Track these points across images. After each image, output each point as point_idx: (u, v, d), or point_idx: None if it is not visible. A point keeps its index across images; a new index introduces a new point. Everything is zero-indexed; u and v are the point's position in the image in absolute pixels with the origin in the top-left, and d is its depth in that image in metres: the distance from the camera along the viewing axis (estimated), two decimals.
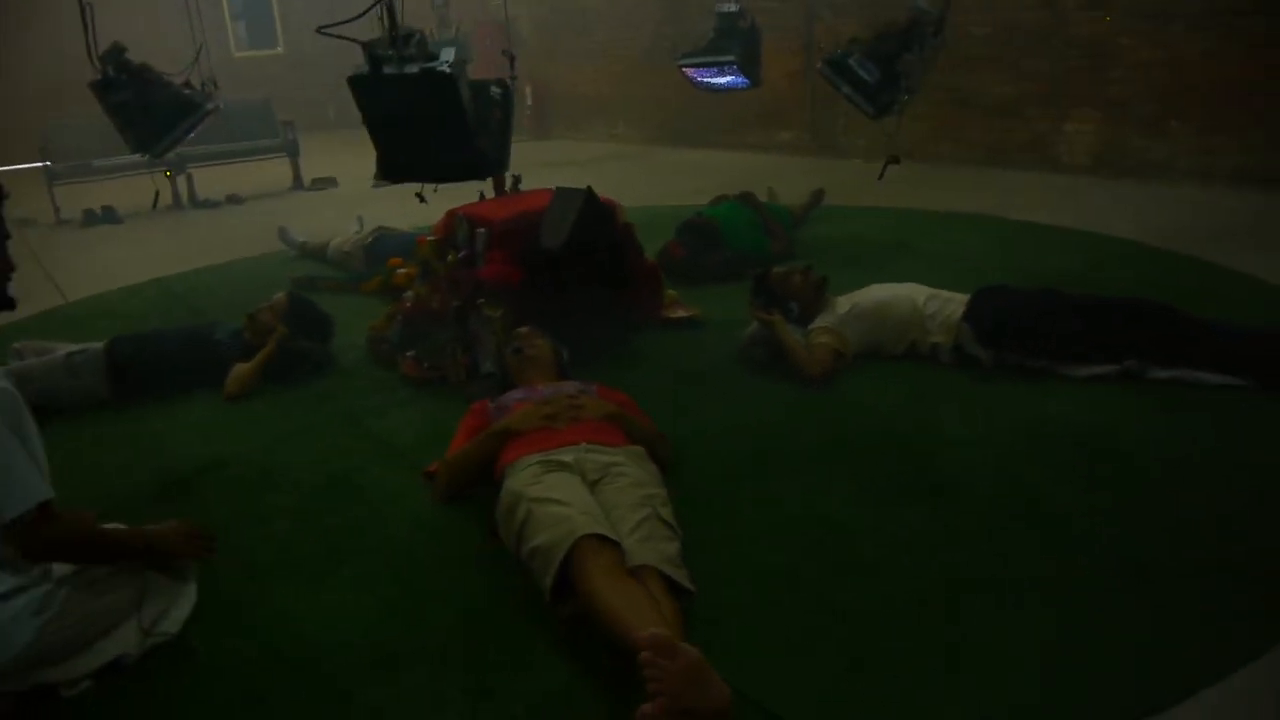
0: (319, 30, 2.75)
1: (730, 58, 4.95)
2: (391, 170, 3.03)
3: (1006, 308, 3.60)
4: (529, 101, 12.61)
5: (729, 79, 5.08)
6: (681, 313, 4.44)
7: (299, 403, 3.81)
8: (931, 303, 3.73)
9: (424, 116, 2.82)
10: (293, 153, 9.77)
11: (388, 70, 2.69)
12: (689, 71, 5.17)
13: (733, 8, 5.08)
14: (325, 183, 9.77)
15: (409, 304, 4.19)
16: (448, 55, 2.78)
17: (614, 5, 11.51)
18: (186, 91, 4.28)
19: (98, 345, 3.94)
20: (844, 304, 3.84)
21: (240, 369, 3.90)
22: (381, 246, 5.70)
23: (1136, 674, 1.96)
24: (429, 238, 4.27)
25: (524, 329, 3.37)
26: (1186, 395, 3.24)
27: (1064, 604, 2.21)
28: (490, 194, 4.54)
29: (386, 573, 2.54)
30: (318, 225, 6.83)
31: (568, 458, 2.50)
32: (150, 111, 4.04)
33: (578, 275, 3.86)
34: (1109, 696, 1.90)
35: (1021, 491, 2.74)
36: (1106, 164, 7.23)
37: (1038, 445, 3.03)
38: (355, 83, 2.80)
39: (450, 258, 4.04)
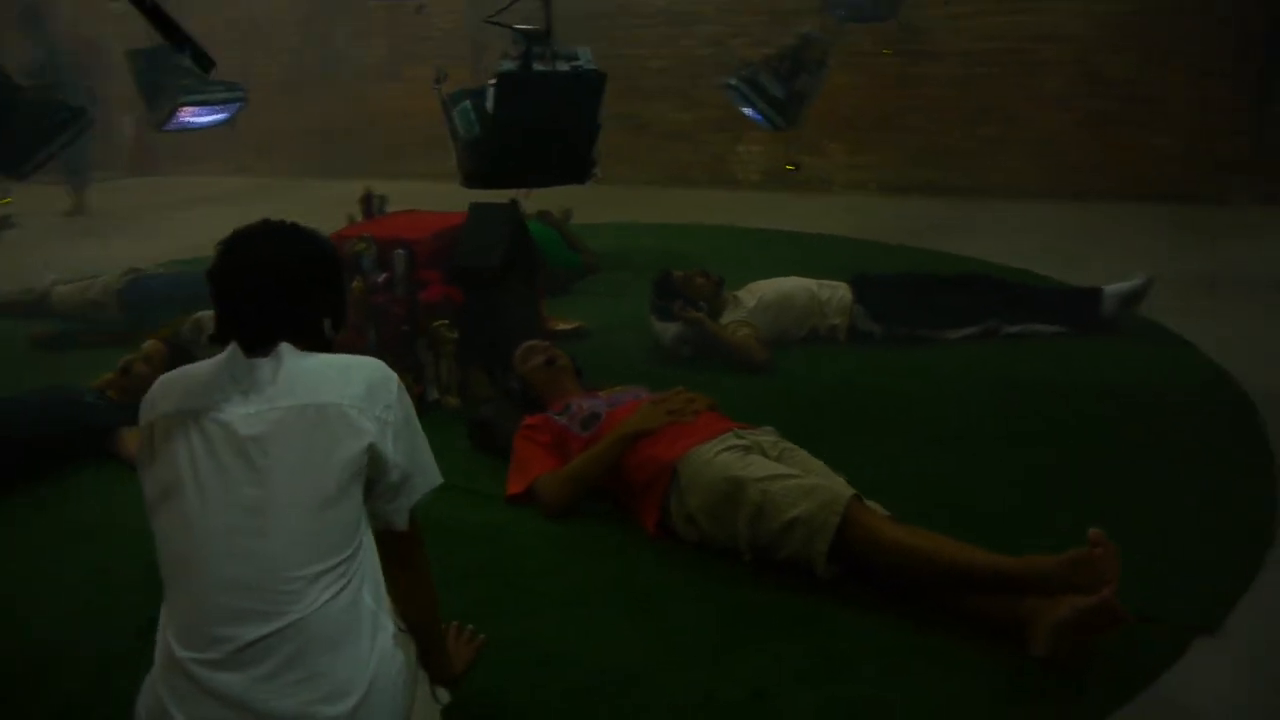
0: (488, 20, 2.48)
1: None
2: (486, 176, 2.80)
3: (888, 289, 4.27)
4: (129, 133, 11.14)
5: None
6: (565, 325, 4.50)
7: None
8: (824, 290, 4.28)
9: (560, 117, 2.67)
10: None
11: (539, 68, 2.52)
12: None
13: (531, 29, 5.19)
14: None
15: None
16: (586, 55, 2.67)
17: (238, 28, 10.66)
18: (59, 97, 3.39)
19: None
20: (749, 298, 4.23)
21: None
22: (145, 290, 4.93)
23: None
24: None
25: (536, 342, 3.30)
26: (1035, 342, 4.13)
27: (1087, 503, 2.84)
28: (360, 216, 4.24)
29: (583, 594, 2.44)
30: None
31: (742, 441, 2.60)
32: (10, 122, 3.14)
33: (511, 290, 3.82)
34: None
35: (1001, 425, 3.36)
36: (775, 180, 8.40)
37: (975, 391, 3.68)
38: (505, 79, 2.56)
39: (356, 285, 3.74)
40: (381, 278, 3.72)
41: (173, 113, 4.34)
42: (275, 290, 1.75)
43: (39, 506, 3.03)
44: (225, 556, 1.57)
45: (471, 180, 2.88)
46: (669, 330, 4.14)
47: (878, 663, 2.11)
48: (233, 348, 1.71)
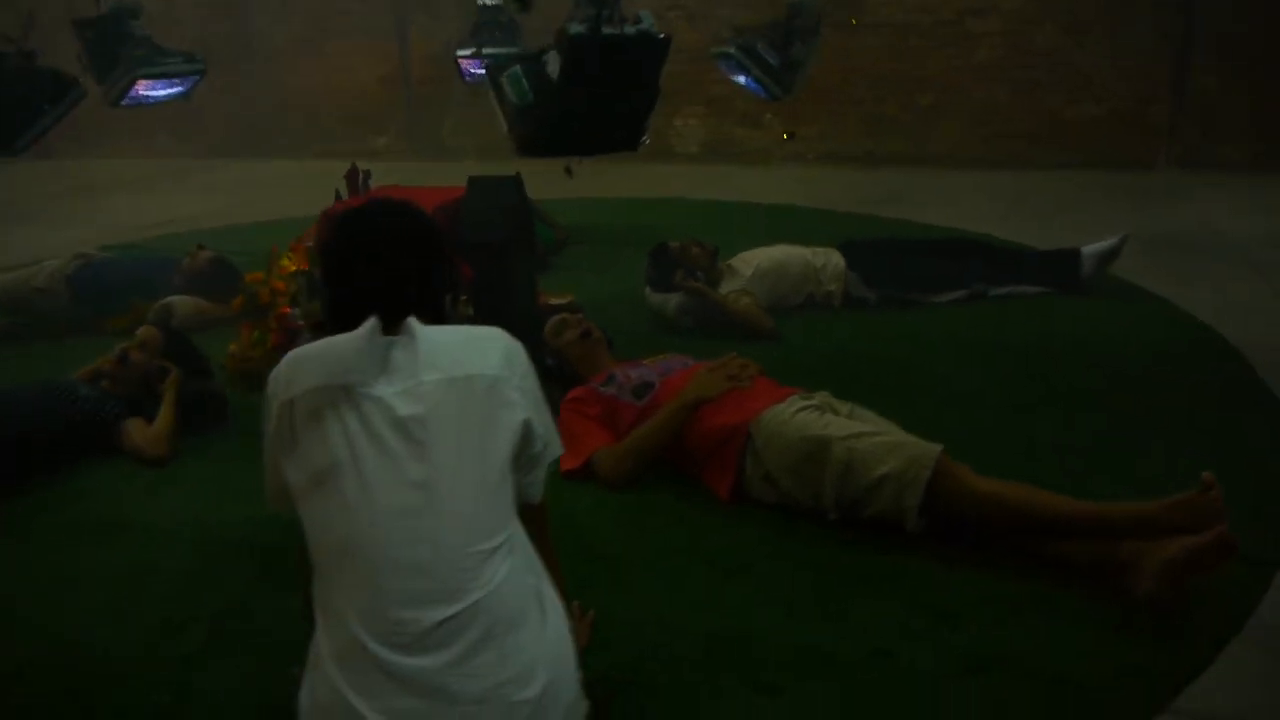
0: None
1: (518, 49, 4.96)
2: (545, 144, 2.69)
3: (878, 255, 4.34)
4: None
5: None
6: (557, 299, 4.42)
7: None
8: (817, 257, 4.32)
9: (624, 82, 2.58)
10: None
11: (608, 30, 2.42)
12: (464, 64, 5.04)
13: (494, 2, 5.09)
14: None
15: (308, 322, 3.61)
16: (648, 18, 2.58)
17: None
18: (48, 67, 3.07)
19: None
20: (744, 268, 4.24)
21: (157, 427, 3.07)
22: (98, 276, 4.63)
23: None
24: (306, 244, 3.74)
25: (567, 315, 3.24)
26: (1020, 303, 4.27)
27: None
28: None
29: (663, 562, 2.43)
30: None
31: (812, 401, 2.61)
32: (6, 94, 2.84)
33: (515, 264, 3.74)
34: None
35: (1007, 386, 3.44)
36: (714, 152, 8.44)
37: (972, 353, 3.77)
38: (576, 42, 2.44)
39: None
40: None
41: (129, 86, 4.06)
42: (408, 266, 1.70)
43: (52, 507, 2.84)
44: (398, 538, 1.50)
45: (527, 149, 2.79)
46: (670, 301, 4.12)
47: (983, 613, 2.15)
48: (371, 324, 1.62)
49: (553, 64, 2.52)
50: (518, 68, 2.66)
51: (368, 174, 4.13)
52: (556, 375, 3.16)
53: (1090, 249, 4.33)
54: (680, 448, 2.72)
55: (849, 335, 4.03)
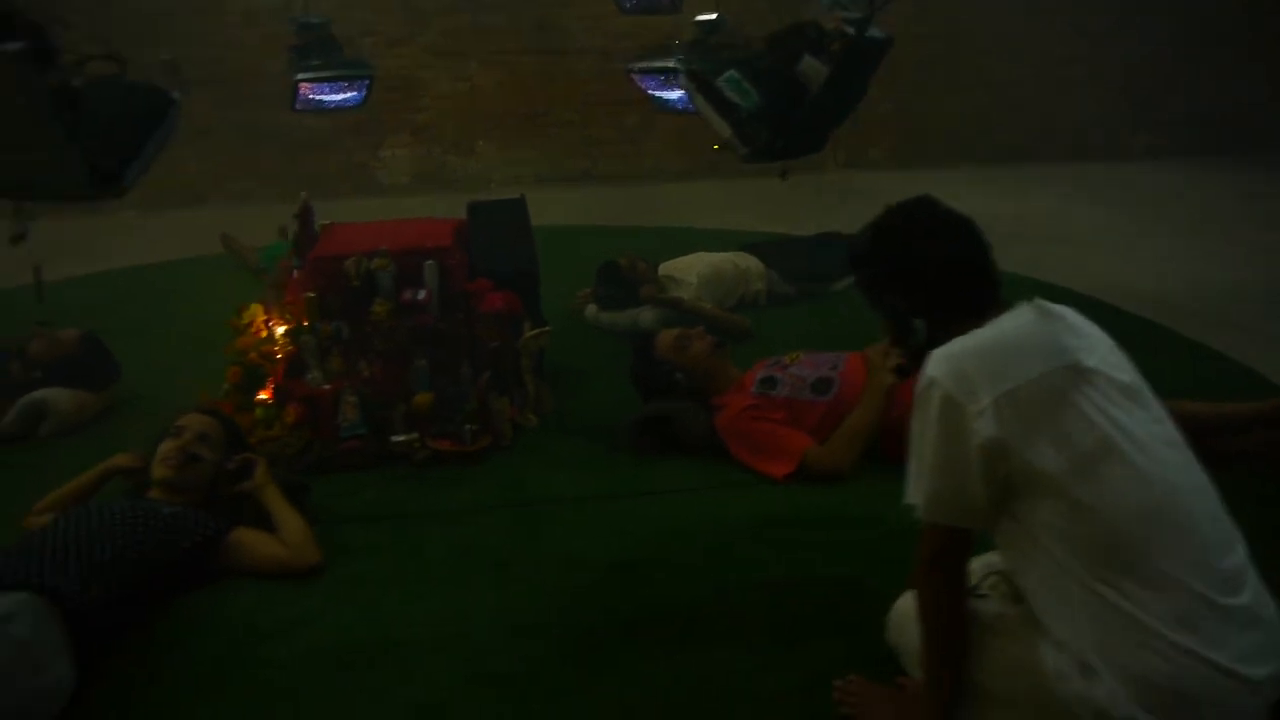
0: None
1: (367, 71, 4.52)
2: (785, 148, 2.50)
3: (782, 254, 4.72)
4: None
5: (344, 96, 4.57)
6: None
7: (382, 541, 2.64)
8: (739, 259, 4.58)
9: (856, 83, 2.47)
10: None
11: (872, 34, 2.31)
12: (303, 88, 4.44)
13: (316, 19, 4.59)
14: None
15: (331, 385, 3.06)
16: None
17: None
18: (139, 82, 2.01)
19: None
20: (687, 275, 4.36)
21: (294, 528, 2.46)
22: None
23: None
24: (308, 295, 3.18)
25: (686, 330, 3.18)
26: None
27: None
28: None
29: None
30: None
31: None
32: (103, 116, 1.84)
33: (534, 286, 3.57)
34: None
35: None
36: (425, 181, 8.16)
37: None
38: (858, 45, 2.27)
39: (379, 308, 3.17)
40: (422, 295, 3.19)
41: None
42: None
43: (271, 638, 2.18)
44: (1193, 495, 1.60)
45: (760, 154, 2.65)
46: (643, 315, 4.12)
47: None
48: (1033, 305, 1.69)
49: (812, 67, 2.48)
50: (734, 71, 2.58)
51: (310, 209, 3.56)
52: (684, 391, 3.10)
53: None
54: (889, 431, 2.85)
55: (798, 321, 4.36)
